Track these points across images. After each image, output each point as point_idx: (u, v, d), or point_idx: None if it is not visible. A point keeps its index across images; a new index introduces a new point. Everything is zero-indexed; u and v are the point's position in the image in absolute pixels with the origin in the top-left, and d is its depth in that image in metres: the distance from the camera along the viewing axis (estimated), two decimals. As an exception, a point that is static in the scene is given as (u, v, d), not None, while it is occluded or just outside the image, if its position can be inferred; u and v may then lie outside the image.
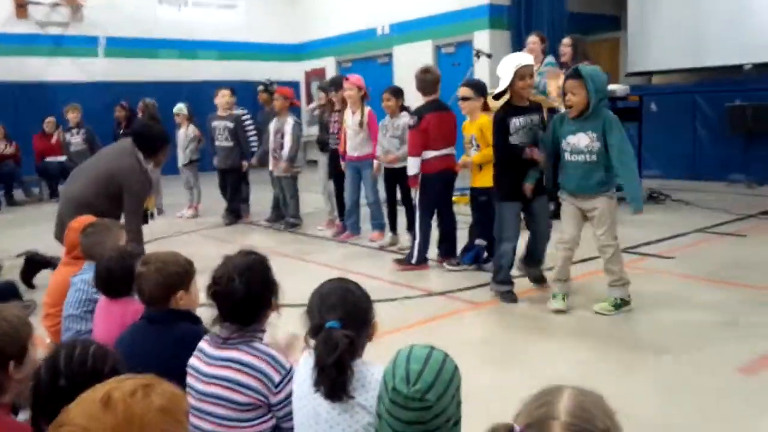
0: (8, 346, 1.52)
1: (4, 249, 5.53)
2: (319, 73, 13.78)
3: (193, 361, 1.86)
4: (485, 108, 4.50)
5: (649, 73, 10.34)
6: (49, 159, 9.77)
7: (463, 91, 4.53)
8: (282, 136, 6.49)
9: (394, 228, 5.65)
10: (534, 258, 4.03)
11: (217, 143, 7.08)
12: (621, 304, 3.58)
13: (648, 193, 7.23)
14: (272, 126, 6.61)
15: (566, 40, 6.40)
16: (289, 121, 6.48)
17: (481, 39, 10.16)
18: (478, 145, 4.44)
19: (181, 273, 2.16)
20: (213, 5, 13.43)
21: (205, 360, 1.82)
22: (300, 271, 4.82)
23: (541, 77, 6.19)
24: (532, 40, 6.47)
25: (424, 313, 3.79)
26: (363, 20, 12.45)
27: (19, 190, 9.74)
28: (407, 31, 11.65)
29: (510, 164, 3.78)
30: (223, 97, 7.04)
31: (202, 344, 1.87)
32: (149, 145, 4.43)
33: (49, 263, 4.67)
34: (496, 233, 3.92)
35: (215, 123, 7.07)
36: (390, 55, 12.16)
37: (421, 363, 1.37)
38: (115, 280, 2.45)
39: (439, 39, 11.18)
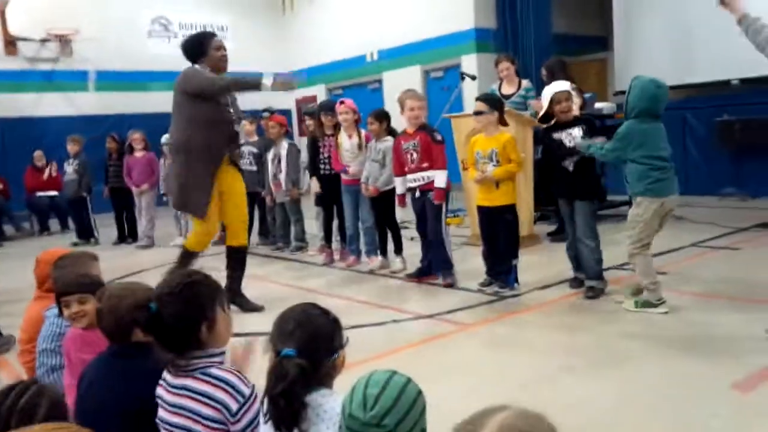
0: None
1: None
2: (311, 100, 13.80)
3: (158, 390, 1.79)
4: (502, 123, 4.45)
5: (638, 91, 10.36)
6: (39, 194, 9.72)
7: (479, 105, 4.40)
8: (279, 162, 6.57)
9: (384, 251, 5.58)
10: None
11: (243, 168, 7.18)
12: (646, 305, 3.76)
13: (640, 209, 7.20)
14: (270, 154, 6.70)
15: (543, 71, 6.45)
16: (284, 146, 6.58)
17: (469, 62, 10.22)
18: (498, 161, 4.31)
19: (139, 307, 2.04)
20: (202, 37, 13.54)
21: (167, 389, 1.75)
22: (288, 298, 4.75)
23: (527, 104, 6.28)
24: (504, 66, 6.46)
25: (411, 336, 3.70)
26: (352, 47, 12.55)
27: (9, 225, 9.66)
28: (396, 56, 11.73)
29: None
30: (246, 126, 7.23)
31: (165, 372, 1.79)
32: (194, 47, 4.33)
33: None
34: (588, 234, 4.15)
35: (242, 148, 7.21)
36: (380, 81, 12.22)
37: (379, 387, 1.32)
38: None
39: (427, 64, 11.25)
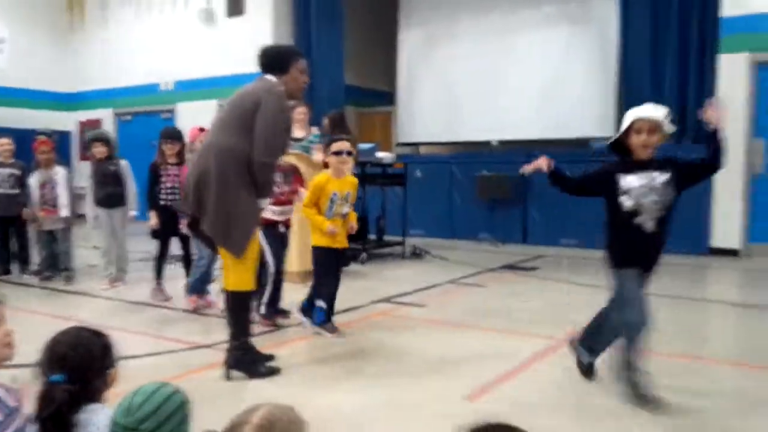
0: None
1: None
2: (95, 124, 13.12)
3: None
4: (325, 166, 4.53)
5: (418, 144, 11.57)
6: None
7: (350, 145, 4.42)
8: (53, 188, 6.31)
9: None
10: None
11: (2, 191, 6.69)
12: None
13: (412, 250, 8.04)
14: (35, 178, 6.37)
15: (325, 121, 7.07)
16: (60, 171, 6.37)
17: (265, 103, 10.56)
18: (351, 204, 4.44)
19: None
20: (-29, 44, 12.24)
21: None
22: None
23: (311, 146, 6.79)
24: (302, 110, 6.94)
25: (182, 366, 3.78)
26: (147, 74, 12.24)
27: None
28: (192, 89, 11.68)
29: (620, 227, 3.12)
30: (6, 146, 6.74)
31: None
32: (275, 60, 3.60)
33: None
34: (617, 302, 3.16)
35: None
36: (173, 111, 12.05)
37: (146, 396, 1.48)
38: None
39: (224, 99, 11.33)
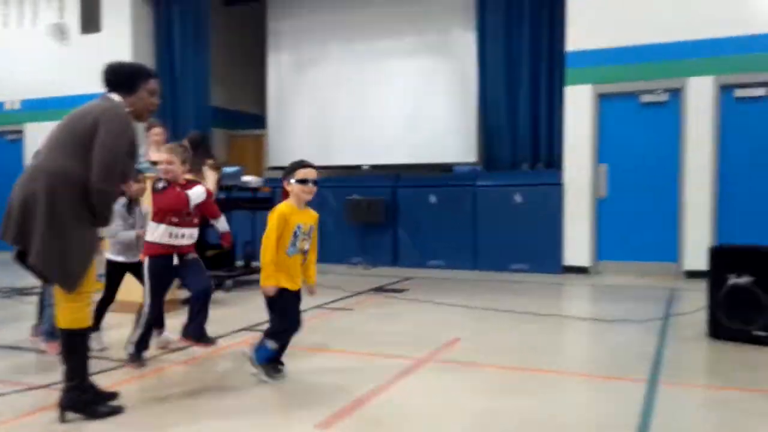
0: None
1: None
2: (-72, 146, 11.83)
3: None
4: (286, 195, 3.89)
5: (288, 168, 11.44)
6: None
7: (315, 173, 3.90)
8: None
9: None
10: None
11: None
12: None
13: (281, 276, 7.88)
14: None
15: (185, 143, 6.79)
16: None
17: (125, 124, 10.03)
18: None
19: None
20: None
21: None
22: None
23: None
24: (158, 131, 6.65)
25: (12, 410, 3.42)
26: (-13, 92, 11.25)
27: None
28: (42, 109, 10.86)
29: None
30: None
31: None
32: (123, 78, 3.37)
33: None
34: None
35: None
36: (21, 132, 11.13)
37: None
38: None
39: (79, 120, 10.66)
